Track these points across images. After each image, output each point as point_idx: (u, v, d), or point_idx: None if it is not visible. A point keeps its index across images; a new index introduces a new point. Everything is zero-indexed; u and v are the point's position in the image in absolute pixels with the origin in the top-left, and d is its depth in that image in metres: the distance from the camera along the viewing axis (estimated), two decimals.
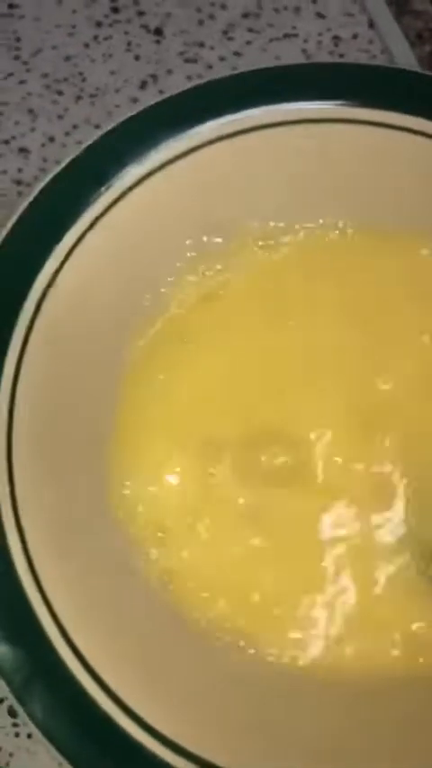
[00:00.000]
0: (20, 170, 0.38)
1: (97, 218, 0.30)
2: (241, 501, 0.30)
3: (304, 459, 0.30)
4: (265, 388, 0.31)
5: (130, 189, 0.30)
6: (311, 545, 0.29)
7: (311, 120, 0.32)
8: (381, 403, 0.31)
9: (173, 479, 0.30)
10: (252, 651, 0.28)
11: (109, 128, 0.30)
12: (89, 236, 0.29)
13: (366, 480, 0.30)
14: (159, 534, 0.29)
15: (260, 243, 0.33)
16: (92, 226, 0.30)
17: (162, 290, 0.32)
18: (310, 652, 0.28)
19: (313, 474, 0.30)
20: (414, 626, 0.28)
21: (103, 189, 0.30)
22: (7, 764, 0.30)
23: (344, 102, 0.32)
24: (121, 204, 0.30)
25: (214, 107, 0.31)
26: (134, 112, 0.31)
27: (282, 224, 0.33)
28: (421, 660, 0.28)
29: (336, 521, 0.29)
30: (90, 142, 0.30)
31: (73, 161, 0.30)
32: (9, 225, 0.29)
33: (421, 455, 0.30)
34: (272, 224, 0.33)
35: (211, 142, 0.31)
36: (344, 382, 0.31)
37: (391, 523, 0.30)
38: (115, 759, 0.25)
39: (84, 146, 0.30)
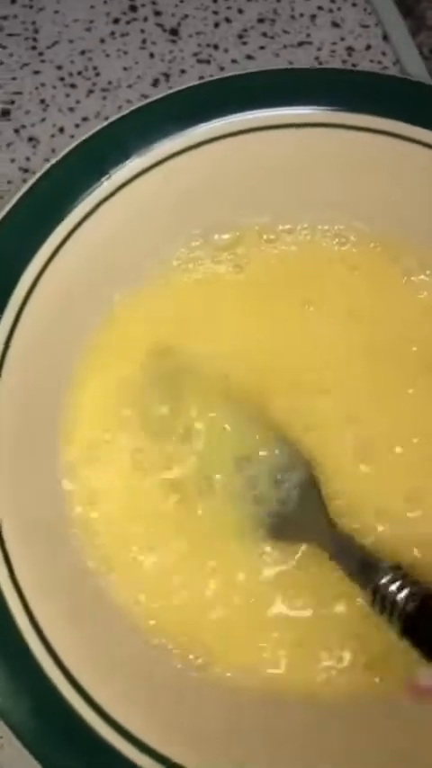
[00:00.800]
0: (28, 159, 0.38)
1: (95, 208, 0.30)
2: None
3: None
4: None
5: (131, 180, 0.30)
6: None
7: (316, 125, 0.32)
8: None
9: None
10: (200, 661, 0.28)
11: (113, 118, 0.30)
12: (84, 225, 0.30)
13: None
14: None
15: (264, 237, 0.33)
16: (88, 216, 0.30)
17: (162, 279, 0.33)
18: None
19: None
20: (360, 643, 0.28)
21: (103, 179, 0.30)
22: None
23: (351, 109, 0.32)
24: (120, 195, 0.30)
25: (221, 105, 0.31)
26: (140, 104, 0.31)
27: (287, 226, 0.33)
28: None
29: None
30: (94, 131, 0.30)
31: (74, 150, 0.30)
32: (7, 208, 0.29)
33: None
34: (280, 227, 0.33)
35: (214, 140, 0.31)
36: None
37: None
38: (74, 749, 0.25)
39: (87, 134, 0.30)
